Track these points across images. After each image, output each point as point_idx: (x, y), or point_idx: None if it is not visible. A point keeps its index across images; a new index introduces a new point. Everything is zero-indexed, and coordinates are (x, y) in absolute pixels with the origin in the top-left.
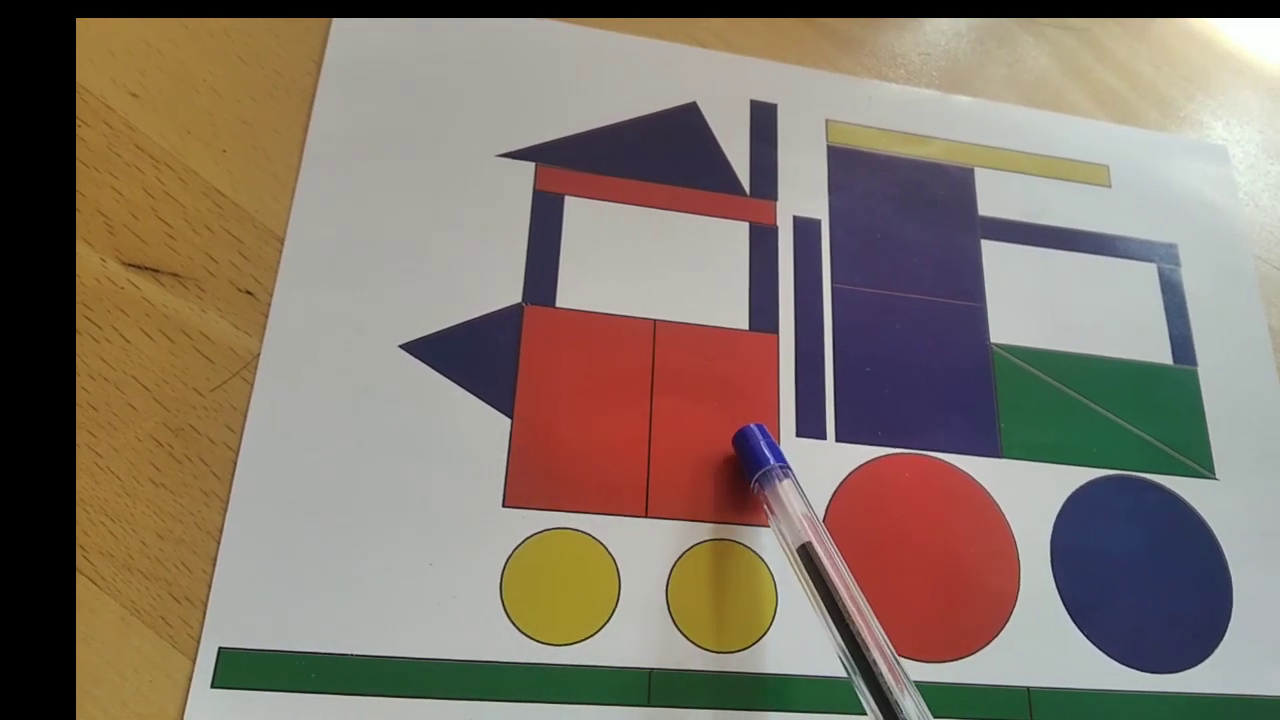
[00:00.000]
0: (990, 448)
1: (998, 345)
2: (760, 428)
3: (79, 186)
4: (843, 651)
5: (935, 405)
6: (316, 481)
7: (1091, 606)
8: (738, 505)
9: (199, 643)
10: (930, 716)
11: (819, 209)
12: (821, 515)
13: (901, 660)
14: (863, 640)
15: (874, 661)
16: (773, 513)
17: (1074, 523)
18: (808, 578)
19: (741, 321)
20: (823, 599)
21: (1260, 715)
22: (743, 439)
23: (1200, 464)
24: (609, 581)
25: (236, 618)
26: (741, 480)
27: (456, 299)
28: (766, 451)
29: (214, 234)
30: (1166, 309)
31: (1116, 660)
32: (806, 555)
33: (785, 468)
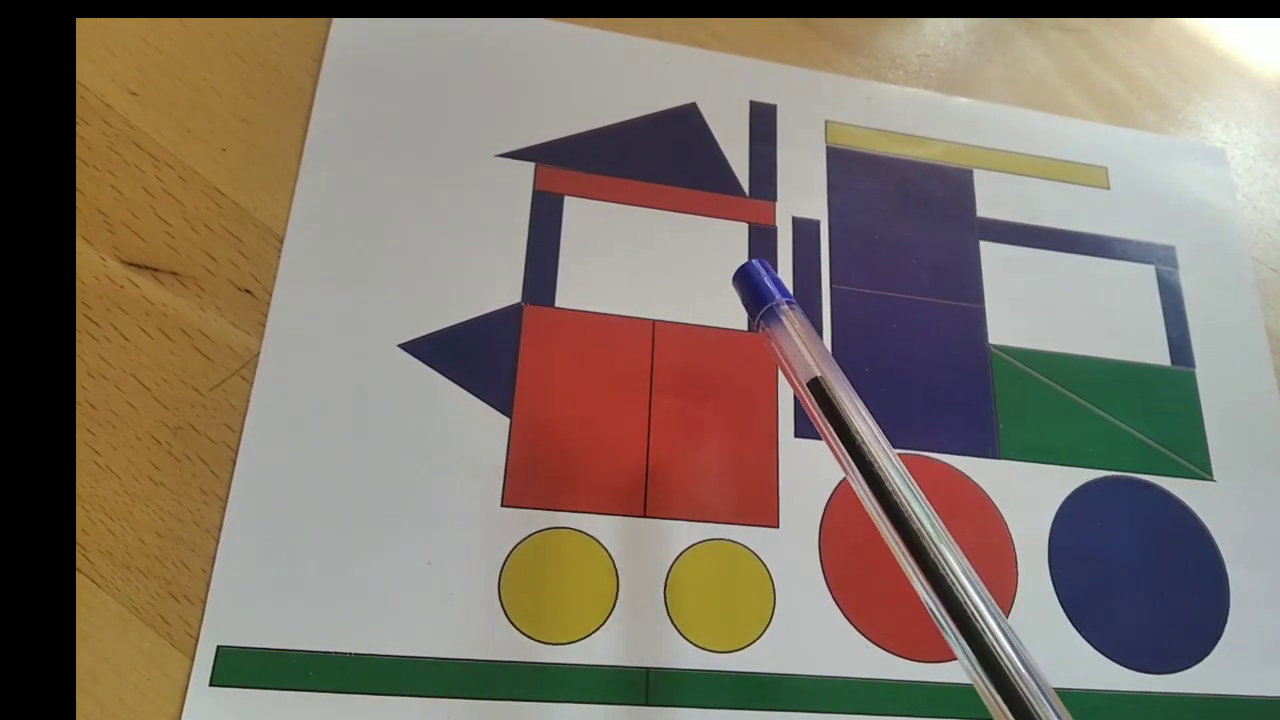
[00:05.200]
0: (988, 448)
1: (996, 346)
2: (762, 262)
3: (78, 185)
4: (867, 495)
5: (933, 406)
6: (315, 480)
7: (1089, 607)
8: (737, 505)
9: (197, 641)
10: (959, 552)
11: (818, 210)
12: (820, 516)
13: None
14: (885, 477)
15: (903, 501)
16: (780, 352)
17: (1071, 524)
18: (823, 416)
19: (740, 322)
20: (840, 436)
21: (1257, 716)
22: (744, 276)
23: (1198, 465)
24: (607, 581)
25: (235, 616)
26: (740, 480)
27: (456, 299)
28: (770, 286)
29: (213, 233)
30: (1164, 311)
31: (1114, 661)
32: (818, 390)
33: (791, 302)
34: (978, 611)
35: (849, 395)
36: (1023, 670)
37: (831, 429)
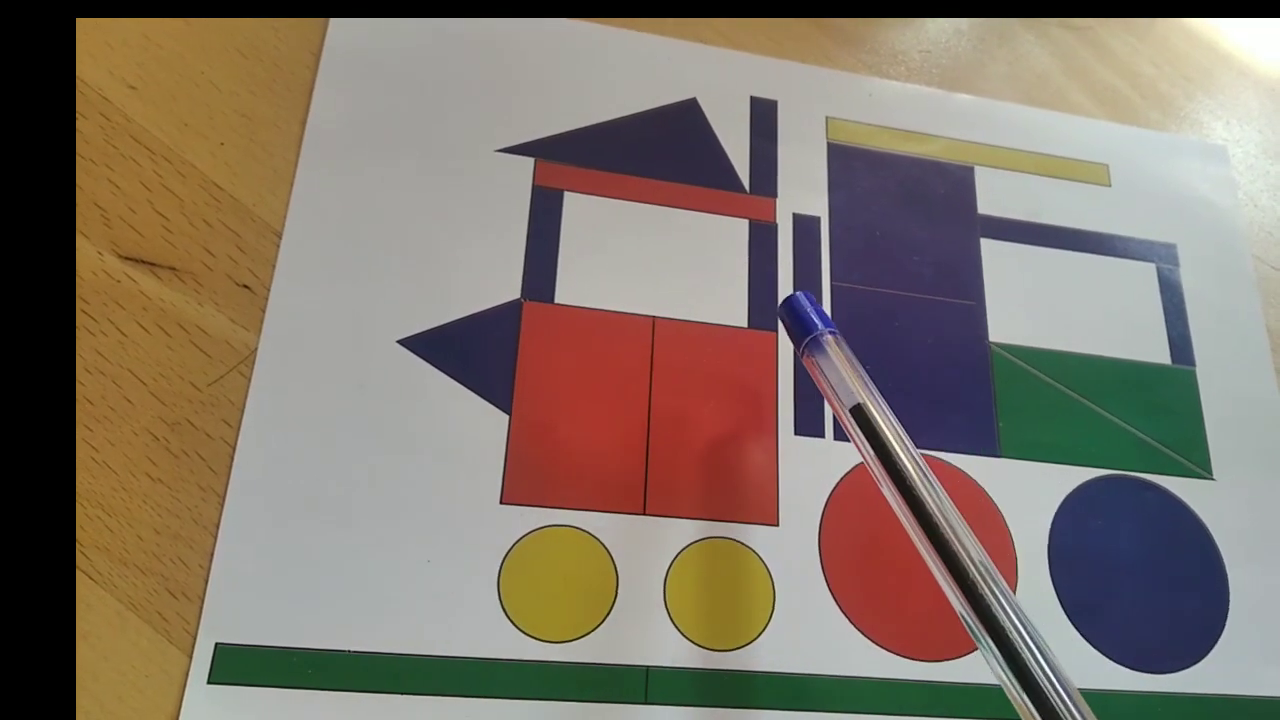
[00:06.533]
0: (988, 447)
1: (996, 344)
2: (807, 295)
3: (76, 179)
4: (906, 515)
5: (933, 404)
6: (314, 477)
7: (1088, 606)
8: (736, 503)
9: (195, 638)
10: (995, 571)
11: (819, 206)
12: (819, 514)
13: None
14: (926, 502)
15: (940, 524)
16: (824, 379)
17: (1071, 522)
18: (865, 441)
19: (740, 319)
20: (881, 460)
21: (1257, 715)
22: (788, 308)
23: (1198, 464)
24: (606, 579)
25: (233, 613)
26: (740, 477)
27: (455, 294)
28: (814, 318)
29: (211, 228)
30: (1165, 309)
31: (1113, 660)
32: (861, 416)
33: (834, 332)
34: (1025, 643)
35: (890, 422)
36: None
37: (873, 454)
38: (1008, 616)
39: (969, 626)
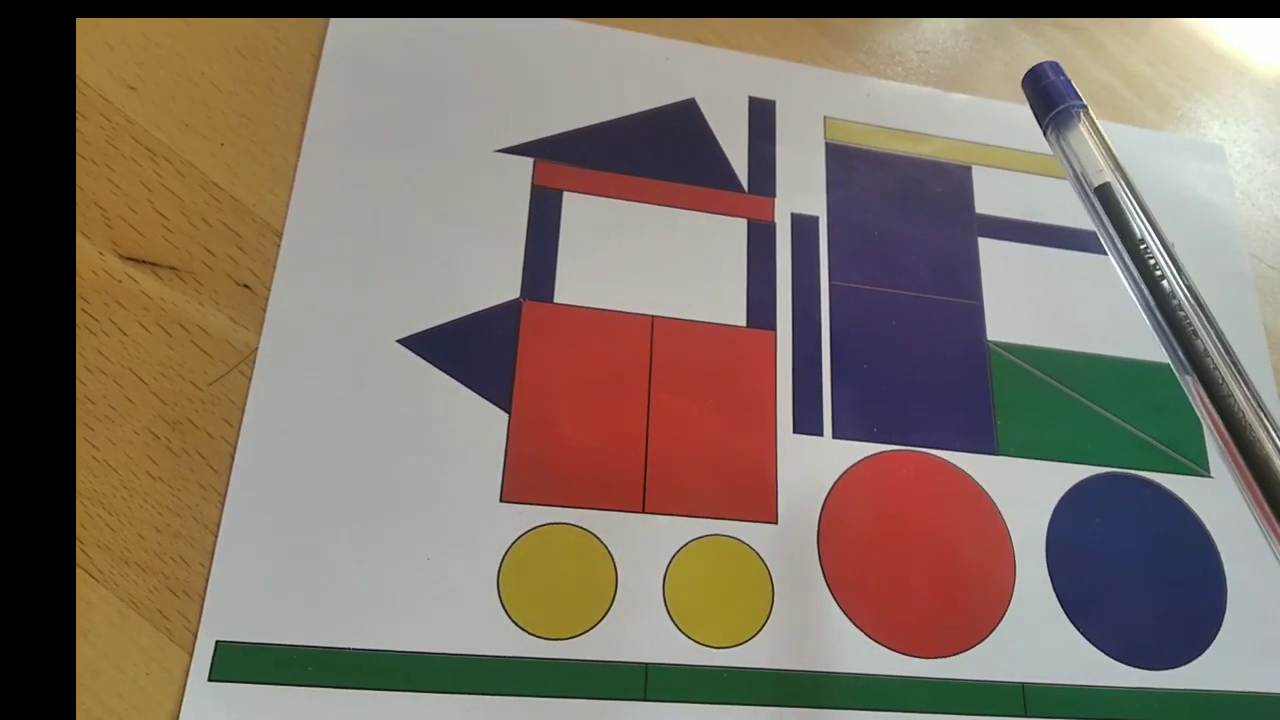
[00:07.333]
0: (986, 445)
1: (994, 343)
2: (1053, 65)
3: (76, 179)
4: (1152, 310)
5: (932, 402)
6: (314, 476)
7: (1087, 603)
8: (735, 501)
9: (196, 636)
10: (1234, 357)
11: (817, 206)
12: (818, 512)
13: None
14: (1174, 293)
15: (1183, 315)
16: (1068, 157)
17: (1069, 520)
18: (1107, 222)
19: (739, 318)
20: (1123, 243)
21: (1254, 711)
22: (1034, 78)
23: (1195, 462)
24: (606, 576)
25: (233, 611)
26: (739, 476)
27: (454, 294)
28: (1062, 89)
29: (211, 227)
30: None
31: (1111, 657)
32: (1105, 197)
33: (1083, 107)
34: (1261, 443)
35: (1139, 206)
36: None
37: (1118, 239)
38: (1255, 433)
39: (1215, 438)
